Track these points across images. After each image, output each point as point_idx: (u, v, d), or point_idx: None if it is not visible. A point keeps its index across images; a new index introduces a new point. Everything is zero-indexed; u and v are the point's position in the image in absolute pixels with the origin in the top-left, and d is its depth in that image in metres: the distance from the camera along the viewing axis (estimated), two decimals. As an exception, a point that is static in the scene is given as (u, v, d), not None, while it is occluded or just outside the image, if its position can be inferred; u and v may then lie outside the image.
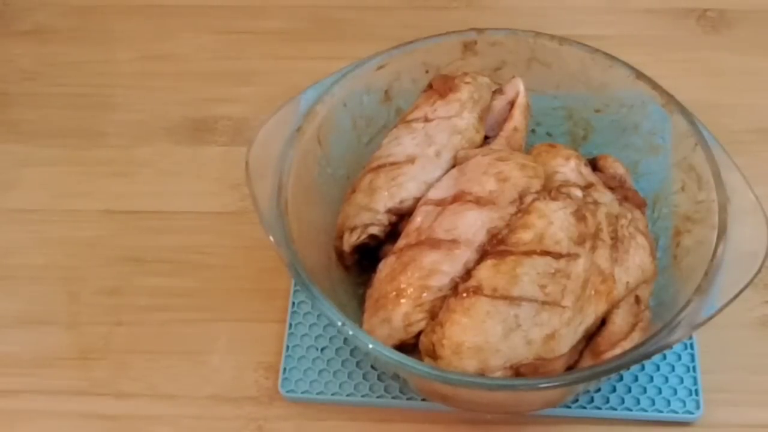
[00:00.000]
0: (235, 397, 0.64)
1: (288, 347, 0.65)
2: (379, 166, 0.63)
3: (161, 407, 0.64)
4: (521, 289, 0.54)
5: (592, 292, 0.56)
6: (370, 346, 0.53)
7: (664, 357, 0.63)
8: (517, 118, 0.65)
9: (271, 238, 0.57)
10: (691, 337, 0.64)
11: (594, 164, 0.64)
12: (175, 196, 0.74)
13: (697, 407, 0.61)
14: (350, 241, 0.62)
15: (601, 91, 0.66)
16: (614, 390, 0.62)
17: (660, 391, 0.62)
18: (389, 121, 0.68)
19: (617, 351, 0.56)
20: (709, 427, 0.62)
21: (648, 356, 0.53)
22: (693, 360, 0.63)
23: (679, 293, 0.57)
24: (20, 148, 0.78)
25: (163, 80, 0.83)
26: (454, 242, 0.56)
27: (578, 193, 0.59)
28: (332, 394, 0.63)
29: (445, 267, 0.56)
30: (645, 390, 0.62)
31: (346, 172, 0.66)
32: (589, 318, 0.56)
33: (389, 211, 0.61)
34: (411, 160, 0.62)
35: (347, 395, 0.63)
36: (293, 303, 0.67)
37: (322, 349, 0.65)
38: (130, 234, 0.72)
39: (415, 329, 0.56)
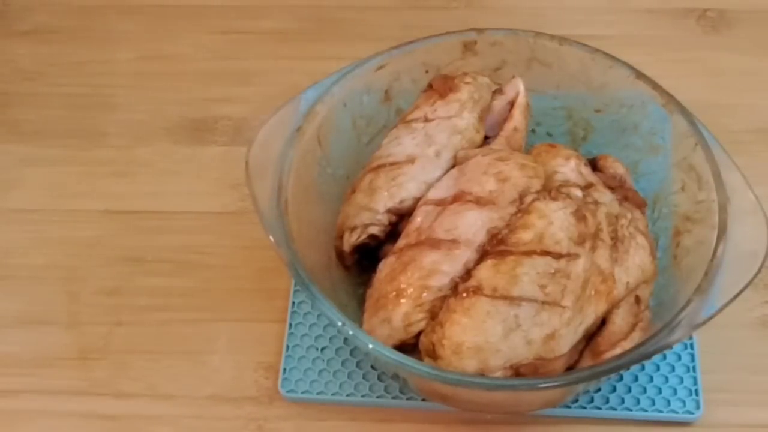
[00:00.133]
0: (235, 397, 0.64)
1: (288, 347, 0.65)
2: (379, 166, 0.63)
3: (161, 407, 0.64)
4: (521, 289, 0.54)
5: (592, 292, 0.56)
6: (370, 346, 0.53)
7: (664, 357, 0.63)
8: (517, 118, 0.65)
9: (271, 238, 0.57)
10: (691, 337, 0.64)
11: (594, 164, 0.64)
12: (175, 196, 0.74)
13: (697, 407, 0.61)
14: (350, 241, 0.62)
15: (601, 91, 0.66)
16: (614, 390, 0.62)
17: (660, 391, 0.62)
18: (389, 121, 0.68)
19: (617, 351, 0.56)
20: (709, 427, 0.62)
21: (648, 356, 0.53)
22: (693, 360, 0.63)
23: (679, 293, 0.57)
24: (20, 148, 0.78)
25: (163, 80, 0.83)
26: (454, 242, 0.56)
27: (578, 193, 0.59)
28: (332, 394, 0.63)
29: (445, 267, 0.56)
30: (645, 390, 0.62)
31: (346, 172, 0.66)
32: (589, 318, 0.56)
33: (389, 211, 0.61)
34: (411, 160, 0.62)
35: (347, 395, 0.63)
36: (293, 303, 0.67)
37: (322, 349, 0.65)
38: (130, 234, 0.72)
39: (415, 329, 0.56)
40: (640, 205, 0.63)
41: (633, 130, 0.66)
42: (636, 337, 0.57)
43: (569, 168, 0.61)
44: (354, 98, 0.66)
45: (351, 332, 0.54)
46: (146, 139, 0.78)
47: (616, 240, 0.58)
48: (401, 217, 0.61)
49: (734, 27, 0.85)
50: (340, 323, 0.54)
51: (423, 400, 0.62)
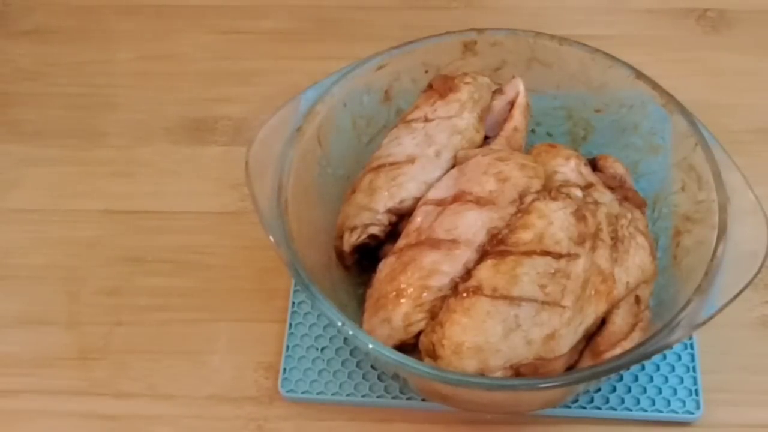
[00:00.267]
0: (235, 397, 0.64)
1: (288, 347, 0.65)
2: (379, 166, 0.63)
3: (161, 407, 0.64)
4: (521, 289, 0.54)
5: (592, 292, 0.56)
6: (370, 346, 0.53)
7: (664, 357, 0.63)
8: (517, 118, 0.65)
9: (271, 238, 0.57)
10: (691, 337, 0.64)
11: (594, 164, 0.64)
12: (175, 196, 0.74)
13: (697, 407, 0.61)
14: (350, 241, 0.62)
15: (601, 91, 0.66)
16: (614, 390, 0.62)
17: (660, 391, 0.62)
18: (389, 121, 0.68)
19: (617, 351, 0.56)
20: (709, 427, 0.62)
21: (648, 356, 0.53)
22: (693, 360, 0.63)
23: (679, 293, 0.57)
24: (20, 148, 0.78)
25: (163, 80, 0.83)
26: (454, 242, 0.56)
27: (578, 193, 0.59)
28: (332, 394, 0.63)
29: (445, 267, 0.56)
30: (645, 390, 0.62)
31: (346, 172, 0.66)
32: (589, 318, 0.56)
33: (389, 211, 0.61)
34: (411, 160, 0.62)
35: (347, 395, 0.63)
36: (293, 303, 0.67)
37: (322, 349, 0.65)
38: (130, 234, 0.72)
39: (415, 329, 0.56)
40: (640, 205, 0.63)
41: (633, 130, 0.66)
42: (636, 337, 0.57)
43: (569, 168, 0.61)
44: (354, 98, 0.66)
45: (351, 332, 0.54)
46: (146, 139, 0.78)
47: (616, 240, 0.58)
48: (401, 217, 0.61)
49: (734, 27, 0.85)
50: (340, 323, 0.54)
51: (423, 400, 0.62)
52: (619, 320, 0.57)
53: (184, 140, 0.78)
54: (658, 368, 0.63)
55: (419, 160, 0.62)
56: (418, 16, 0.87)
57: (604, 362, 0.55)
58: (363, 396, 0.63)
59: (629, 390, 0.62)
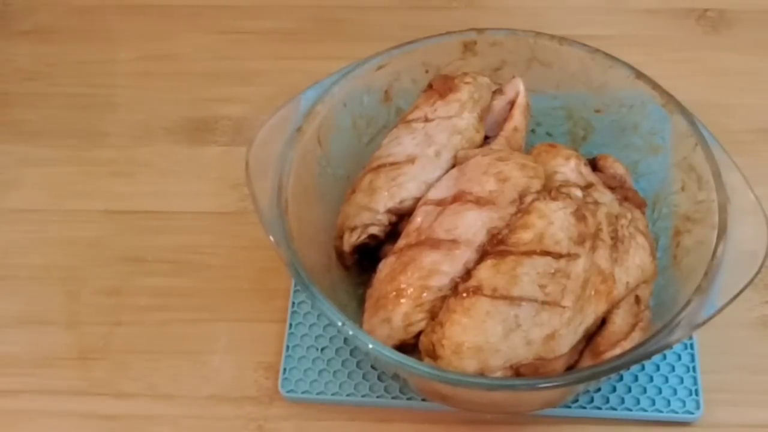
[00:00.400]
0: (235, 397, 0.64)
1: (288, 347, 0.65)
2: (379, 166, 0.63)
3: (161, 407, 0.64)
4: (521, 289, 0.54)
5: (592, 292, 0.56)
6: (370, 346, 0.53)
7: (664, 357, 0.63)
8: (517, 118, 0.65)
9: (271, 238, 0.57)
10: (691, 337, 0.64)
11: (594, 164, 0.64)
12: (175, 196, 0.74)
13: (697, 407, 0.61)
14: (350, 241, 0.62)
15: (601, 91, 0.66)
16: (614, 390, 0.62)
17: (660, 391, 0.62)
18: (389, 121, 0.68)
19: (617, 351, 0.56)
20: (709, 427, 0.62)
21: (648, 356, 0.53)
22: (693, 360, 0.63)
23: (679, 293, 0.57)
24: (20, 148, 0.78)
25: (163, 80, 0.83)
26: (454, 242, 0.56)
27: (578, 193, 0.59)
28: (332, 394, 0.63)
29: (445, 267, 0.56)
30: (645, 390, 0.62)
31: (346, 172, 0.66)
32: (589, 318, 0.56)
33: (389, 211, 0.61)
34: (411, 160, 0.62)
35: (347, 395, 0.63)
36: (293, 303, 0.67)
37: (322, 349, 0.65)
38: (130, 234, 0.72)
39: (415, 329, 0.56)
40: (640, 205, 0.63)
41: (633, 130, 0.66)
42: (636, 337, 0.57)
43: (569, 168, 0.61)
44: (354, 98, 0.66)
45: (351, 332, 0.54)
46: (146, 139, 0.78)
47: (616, 240, 0.58)
48: (401, 217, 0.61)
49: (734, 27, 0.85)
50: (340, 323, 0.54)
51: (423, 400, 0.62)
52: (619, 320, 0.57)
53: (184, 140, 0.78)
54: (658, 368, 0.63)
55: (419, 160, 0.62)
56: (418, 16, 0.87)
57: (604, 362, 0.55)
58: (363, 396, 0.63)
59: (629, 390, 0.62)
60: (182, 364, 0.65)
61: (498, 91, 0.67)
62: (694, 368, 0.63)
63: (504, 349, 0.54)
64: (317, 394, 0.63)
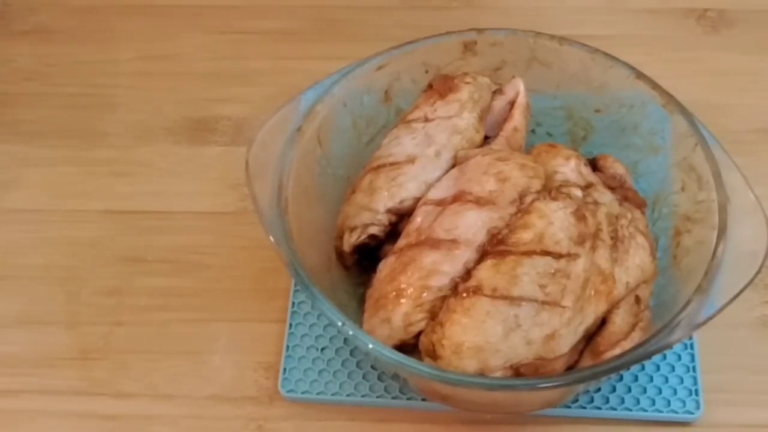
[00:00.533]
0: (235, 397, 0.64)
1: (288, 347, 0.65)
2: (379, 166, 0.63)
3: (161, 407, 0.64)
4: (521, 289, 0.54)
5: (592, 292, 0.56)
6: (370, 346, 0.53)
7: (664, 357, 0.63)
8: (517, 118, 0.65)
9: (271, 238, 0.57)
10: (691, 337, 0.64)
11: (594, 164, 0.64)
12: (175, 196, 0.74)
13: (697, 407, 0.61)
14: (350, 241, 0.62)
15: (601, 91, 0.66)
16: (614, 390, 0.62)
17: (660, 391, 0.62)
18: (389, 121, 0.68)
19: (617, 351, 0.56)
20: (709, 427, 0.62)
21: (648, 356, 0.53)
22: (693, 360, 0.63)
23: (679, 293, 0.57)
24: (20, 148, 0.78)
25: (163, 80, 0.83)
26: (454, 242, 0.56)
27: (578, 193, 0.59)
28: (332, 394, 0.63)
29: (445, 267, 0.56)
30: (645, 390, 0.62)
31: (346, 172, 0.66)
32: (589, 318, 0.56)
33: (389, 211, 0.61)
34: (411, 160, 0.62)
35: (347, 395, 0.63)
36: (293, 303, 0.67)
37: (322, 349, 0.65)
38: (130, 234, 0.72)
39: (415, 329, 0.56)
40: (640, 205, 0.63)
41: (633, 130, 0.66)
42: (636, 337, 0.57)
43: (569, 168, 0.61)
44: (354, 98, 0.66)
45: (351, 332, 0.54)
46: (146, 139, 0.78)
47: (616, 240, 0.58)
48: (401, 217, 0.61)
49: (734, 27, 0.85)
50: (340, 323, 0.54)
51: (423, 400, 0.62)
52: (619, 320, 0.57)
53: (184, 140, 0.78)
54: (658, 368, 0.63)
55: (419, 160, 0.62)
56: (418, 16, 0.87)
57: (604, 362, 0.55)
58: (363, 396, 0.63)
59: (629, 390, 0.62)
60: (182, 364, 0.65)
61: (498, 91, 0.67)
62: (694, 368, 0.63)
63: (504, 349, 0.54)
64: (317, 394, 0.63)
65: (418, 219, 0.59)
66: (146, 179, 0.76)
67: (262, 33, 0.86)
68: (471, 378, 0.53)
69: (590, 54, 0.65)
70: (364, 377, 0.63)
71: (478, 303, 0.54)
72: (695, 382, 0.62)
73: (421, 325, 0.56)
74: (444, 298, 0.56)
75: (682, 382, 0.62)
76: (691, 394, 0.62)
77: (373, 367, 0.63)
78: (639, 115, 0.65)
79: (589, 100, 0.67)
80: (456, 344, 0.53)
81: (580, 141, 0.69)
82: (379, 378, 0.63)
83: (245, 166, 0.59)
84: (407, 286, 0.56)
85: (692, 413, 0.61)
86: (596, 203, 0.59)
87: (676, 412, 0.61)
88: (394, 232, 0.61)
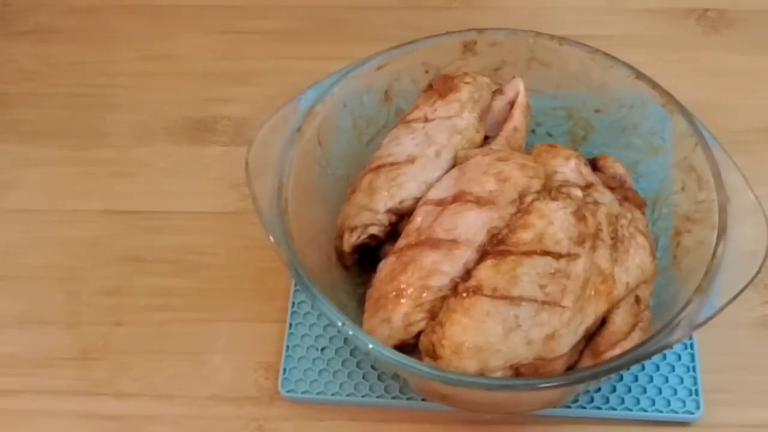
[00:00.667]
0: (235, 397, 0.64)
1: (288, 347, 0.65)
2: (379, 166, 0.63)
3: (161, 407, 0.64)
4: (521, 289, 0.54)
5: (592, 292, 0.56)
6: (370, 346, 0.53)
7: (664, 357, 0.63)
8: (517, 118, 0.65)
9: (271, 238, 0.57)
10: (691, 337, 0.64)
11: (594, 164, 0.64)
12: (175, 196, 0.74)
13: (697, 407, 0.61)
14: (350, 241, 0.62)
15: (601, 91, 0.66)
16: (614, 390, 0.62)
17: (660, 391, 0.62)
18: (389, 121, 0.68)
19: (617, 351, 0.56)
20: (709, 427, 0.62)
21: (648, 356, 0.53)
22: (693, 360, 0.63)
23: (679, 293, 0.57)
24: (20, 148, 0.78)
25: (163, 80, 0.83)
26: (454, 242, 0.56)
27: (578, 193, 0.59)
28: (332, 394, 0.63)
29: (445, 267, 0.56)
30: (645, 390, 0.62)
31: (346, 172, 0.66)
32: (589, 318, 0.56)
33: (389, 211, 0.61)
34: (411, 160, 0.62)
35: (347, 395, 0.63)
36: (293, 303, 0.67)
37: (322, 349, 0.65)
38: (130, 234, 0.72)
39: (415, 329, 0.56)
40: (640, 205, 0.63)
41: (633, 130, 0.66)
42: (636, 337, 0.57)
43: (569, 168, 0.61)
44: (354, 98, 0.66)
45: (351, 332, 0.54)
46: (146, 139, 0.78)
47: (616, 240, 0.58)
48: (401, 217, 0.61)
49: (734, 27, 0.85)
50: (340, 323, 0.54)
51: (423, 400, 0.62)
52: (619, 320, 0.57)
53: (184, 140, 0.78)
54: (658, 368, 0.63)
55: (419, 160, 0.62)
56: (418, 16, 0.87)
57: (604, 362, 0.55)
58: (363, 396, 0.63)
59: (629, 390, 0.62)
60: (182, 364, 0.65)
61: (498, 91, 0.67)
62: (694, 368, 0.63)
63: (504, 349, 0.54)
64: (317, 394, 0.63)
65: (418, 219, 0.59)
66: (146, 179, 0.76)
67: (262, 33, 0.86)
68: (471, 378, 0.53)
69: (590, 54, 0.65)
70: (364, 377, 0.63)
71: (478, 303, 0.54)
72: (695, 382, 0.62)
73: (421, 325, 0.56)
74: (444, 298, 0.56)
75: (682, 382, 0.62)
76: (691, 394, 0.62)
77: (373, 367, 0.63)
78: (639, 115, 0.65)
79: (589, 100, 0.67)
80: (456, 344, 0.53)
81: (580, 141, 0.69)
82: (379, 378, 0.63)
83: (245, 166, 0.59)
84: (407, 286, 0.56)
85: (692, 413, 0.61)
86: (596, 203, 0.59)
87: (676, 412, 0.61)
88: (394, 232, 0.61)
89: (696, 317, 0.53)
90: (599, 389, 0.62)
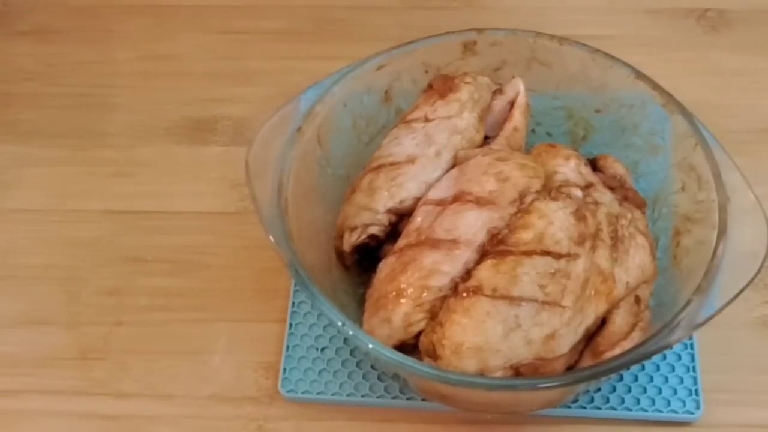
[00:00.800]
0: (235, 397, 0.64)
1: (288, 347, 0.65)
2: (379, 166, 0.63)
3: (161, 407, 0.64)
4: (521, 289, 0.54)
5: (592, 292, 0.56)
6: (370, 346, 0.53)
7: (664, 357, 0.63)
8: (517, 118, 0.65)
9: (271, 238, 0.57)
10: (691, 337, 0.64)
11: (594, 164, 0.64)
12: (175, 196, 0.74)
13: (697, 407, 0.61)
14: (350, 241, 0.62)
15: (601, 91, 0.66)
16: (614, 390, 0.62)
17: (660, 391, 0.62)
18: (389, 121, 0.68)
19: (617, 351, 0.56)
20: (709, 427, 0.62)
21: (648, 356, 0.53)
22: (693, 360, 0.63)
23: (679, 293, 0.57)
24: (20, 148, 0.78)
25: (163, 80, 0.83)
26: (454, 242, 0.56)
27: (578, 193, 0.59)
28: (332, 394, 0.63)
29: (445, 267, 0.56)
30: (645, 390, 0.62)
31: (346, 172, 0.66)
32: (589, 318, 0.56)
33: (389, 211, 0.61)
34: (411, 160, 0.62)
35: (347, 395, 0.63)
36: (293, 303, 0.67)
37: (322, 349, 0.65)
38: (130, 234, 0.72)
39: (415, 329, 0.56)
40: (640, 205, 0.63)
41: (633, 130, 0.66)
42: (636, 337, 0.57)
43: (569, 168, 0.61)
44: (354, 98, 0.66)
45: (351, 332, 0.54)
46: (146, 139, 0.78)
47: (616, 240, 0.58)
48: (401, 217, 0.61)
49: (734, 27, 0.85)
50: (340, 323, 0.54)
51: (423, 400, 0.62)
52: (619, 320, 0.57)
53: (184, 140, 0.78)
54: (658, 368, 0.63)
55: (419, 160, 0.62)
56: (418, 16, 0.87)
57: (604, 362, 0.55)
58: (363, 396, 0.63)
59: (629, 390, 0.62)
60: (182, 364, 0.65)
61: (498, 91, 0.67)
62: (694, 368, 0.63)
63: (504, 349, 0.54)
64: (317, 394, 0.63)
65: (418, 219, 0.59)
66: (146, 179, 0.76)
67: (262, 33, 0.86)
68: (471, 378, 0.53)
69: (590, 54, 0.65)
70: (364, 377, 0.63)
71: (478, 303, 0.54)
72: (695, 382, 0.62)
73: (421, 325, 0.56)
74: (444, 298, 0.56)
75: (682, 382, 0.62)
76: (691, 394, 0.62)
77: (373, 367, 0.63)
78: (639, 115, 0.65)
79: (589, 100, 0.67)
80: (456, 344, 0.53)
81: (580, 141, 0.69)
82: (379, 378, 0.63)
83: (245, 166, 0.59)
84: (407, 286, 0.56)
85: (692, 413, 0.61)
86: (596, 203, 0.59)
87: (676, 412, 0.61)
88: (394, 232, 0.61)
89: (696, 317, 0.53)
90: (599, 389, 0.62)
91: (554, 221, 0.56)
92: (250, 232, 0.70)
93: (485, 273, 0.55)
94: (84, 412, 0.64)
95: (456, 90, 0.64)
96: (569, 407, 0.62)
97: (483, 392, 0.54)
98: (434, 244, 0.57)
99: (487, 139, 0.65)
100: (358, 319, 0.58)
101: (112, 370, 0.65)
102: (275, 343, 0.66)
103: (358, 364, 0.64)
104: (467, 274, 0.55)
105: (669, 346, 0.53)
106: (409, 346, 0.56)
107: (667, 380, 0.62)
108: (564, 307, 0.55)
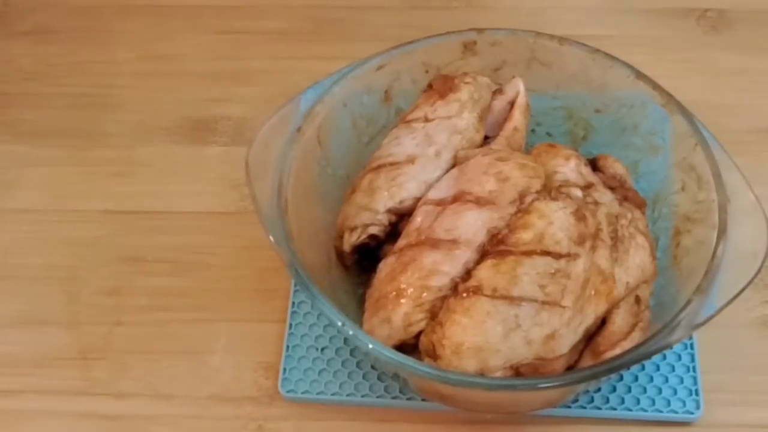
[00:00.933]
0: (235, 397, 0.64)
1: (288, 347, 0.65)
2: (379, 166, 0.63)
3: (161, 407, 0.64)
4: (521, 289, 0.54)
5: (592, 292, 0.56)
6: (370, 346, 0.53)
7: (664, 357, 0.63)
8: (517, 118, 0.65)
9: (271, 238, 0.57)
10: (691, 337, 0.64)
11: (594, 164, 0.64)
12: (175, 196, 0.74)
13: (697, 407, 0.61)
14: (350, 241, 0.62)
15: (601, 91, 0.66)
16: (614, 390, 0.62)
17: (660, 391, 0.62)
18: (389, 121, 0.68)
19: (617, 351, 0.56)
20: (709, 427, 0.62)
21: (648, 356, 0.53)
22: (693, 360, 0.63)
23: (679, 293, 0.57)
24: (20, 148, 0.78)
25: (163, 80, 0.83)
26: (454, 242, 0.56)
27: (578, 193, 0.59)
28: (332, 394, 0.63)
29: (445, 267, 0.56)
30: (645, 390, 0.62)
31: (346, 172, 0.66)
32: (589, 318, 0.56)
33: (389, 211, 0.61)
34: (411, 160, 0.62)
35: (347, 395, 0.63)
36: (293, 303, 0.67)
37: (322, 349, 0.65)
38: (130, 234, 0.72)
39: (415, 329, 0.56)
40: (640, 205, 0.63)
41: (633, 130, 0.66)
42: (636, 337, 0.57)
43: (569, 168, 0.61)
44: (354, 98, 0.66)
45: (351, 332, 0.54)
46: (146, 139, 0.78)
47: (616, 240, 0.58)
48: (401, 217, 0.61)
49: (734, 27, 0.85)
50: (340, 323, 0.54)
51: (423, 400, 0.62)
52: (619, 320, 0.57)
53: (184, 140, 0.78)
54: (658, 368, 0.63)
55: (419, 160, 0.62)
56: (418, 16, 0.87)
57: (604, 362, 0.55)
58: (363, 396, 0.63)
59: (629, 390, 0.62)
60: (182, 364, 0.65)
61: (498, 91, 0.67)
62: (694, 368, 0.63)
63: (504, 349, 0.54)
64: (317, 394, 0.63)
65: (418, 219, 0.59)
66: (146, 179, 0.76)
67: (262, 33, 0.86)
68: (471, 378, 0.53)
69: (590, 54, 0.65)
70: (364, 377, 0.63)
71: (478, 303, 0.54)
72: (695, 382, 0.62)
73: (421, 325, 0.56)
74: (444, 298, 0.56)
75: (682, 382, 0.62)
76: (691, 394, 0.62)
77: (373, 367, 0.63)
78: (639, 115, 0.65)
79: (589, 100, 0.67)
80: (456, 344, 0.53)
81: (580, 141, 0.69)
82: (379, 378, 0.63)
83: (245, 166, 0.59)
84: (407, 286, 0.56)
85: (692, 413, 0.61)
86: (596, 203, 0.59)
87: (676, 412, 0.61)
88: (394, 232, 0.61)
89: (696, 317, 0.53)
90: (599, 389, 0.62)
91: (554, 221, 0.56)
92: (250, 232, 0.70)
93: (485, 273, 0.55)
94: (84, 412, 0.64)
95: (456, 90, 0.64)
96: (569, 407, 0.62)
97: (483, 392, 0.54)
98: (434, 244, 0.57)
99: (487, 139, 0.65)
100: (358, 319, 0.58)
101: (112, 370, 0.65)
102: (275, 343, 0.66)
103: (358, 364, 0.64)
104: (467, 274, 0.55)
105: (669, 346, 0.53)
106: (409, 346, 0.56)
107: (667, 380, 0.62)
108: (564, 307, 0.55)
